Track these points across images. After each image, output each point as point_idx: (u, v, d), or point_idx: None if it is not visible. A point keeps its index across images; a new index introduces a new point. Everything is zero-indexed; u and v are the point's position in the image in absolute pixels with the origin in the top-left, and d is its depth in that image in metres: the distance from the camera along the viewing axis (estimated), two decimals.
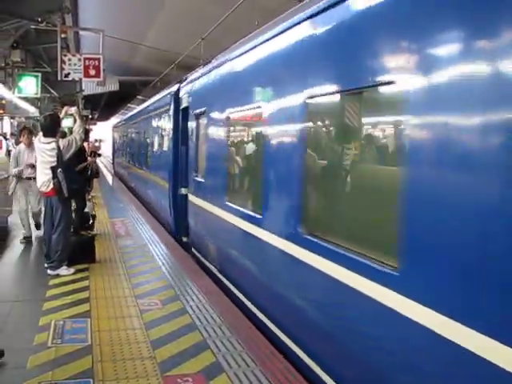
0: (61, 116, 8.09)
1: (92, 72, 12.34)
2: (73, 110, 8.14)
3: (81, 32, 17.03)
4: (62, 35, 12.48)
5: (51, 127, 7.63)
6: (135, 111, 22.94)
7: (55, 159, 7.37)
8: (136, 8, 17.19)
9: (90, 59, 12.36)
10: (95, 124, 40.97)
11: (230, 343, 5.13)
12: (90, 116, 39.57)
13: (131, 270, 7.87)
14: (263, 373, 4.50)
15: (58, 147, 7.42)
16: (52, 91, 20.49)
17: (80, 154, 10.01)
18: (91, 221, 10.59)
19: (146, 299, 6.46)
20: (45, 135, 7.58)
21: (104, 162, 42.18)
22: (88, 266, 7.96)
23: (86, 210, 10.87)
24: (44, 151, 7.48)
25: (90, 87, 24.58)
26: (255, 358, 4.80)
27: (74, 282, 7.18)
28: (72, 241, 8.09)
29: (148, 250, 9.33)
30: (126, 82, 28.61)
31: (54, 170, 7.30)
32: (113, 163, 31.69)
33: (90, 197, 14.01)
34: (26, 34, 14.90)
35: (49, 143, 7.45)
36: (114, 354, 4.79)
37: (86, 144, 10.35)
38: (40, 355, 4.74)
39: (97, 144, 11.75)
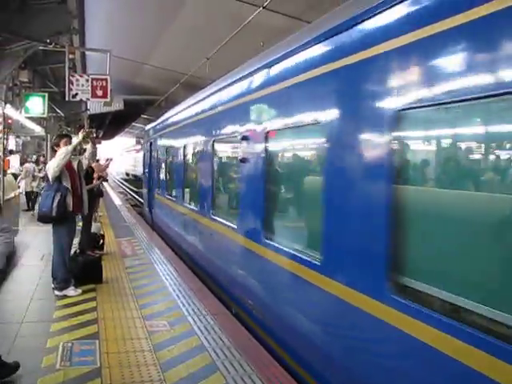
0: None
1: (99, 92, 12.44)
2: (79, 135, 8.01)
3: (87, 52, 17.19)
4: (70, 56, 12.60)
5: (52, 148, 7.75)
6: None
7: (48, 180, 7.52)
8: (141, 28, 17.35)
9: (97, 80, 12.46)
10: (100, 143, 41.01)
11: (239, 365, 5.09)
12: (95, 135, 39.76)
13: (138, 290, 7.85)
14: None
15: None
16: (58, 111, 20.62)
17: (87, 175, 10.08)
18: (101, 241, 10.54)
19: (153, 320, 6.43)
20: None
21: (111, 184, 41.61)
22: (95, 286, 7.94)
23: (95, 230, 10.85)
24: None
25: (95, 106, 24.74)
26: (265, 380, 4.76)
27: (81, 302, 7.15)
28: (79, 261, 8.10)
29: (154, 269, 9.31)
30: (130, 101, 28.78)
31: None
32: (150, 206, 17.53)
33: (97, 217, 14.01)
34: (33, 55, 15.06)
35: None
36: (123, 378, 4.76)
37: (94, 164, 10.34)
38: (49, 378, 4.71)
39: (103, 162, 11.65)
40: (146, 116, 41.40)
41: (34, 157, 21.86)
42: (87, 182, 9.90)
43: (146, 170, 19.00)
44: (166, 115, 14.91)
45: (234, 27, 13.61)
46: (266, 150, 6.16)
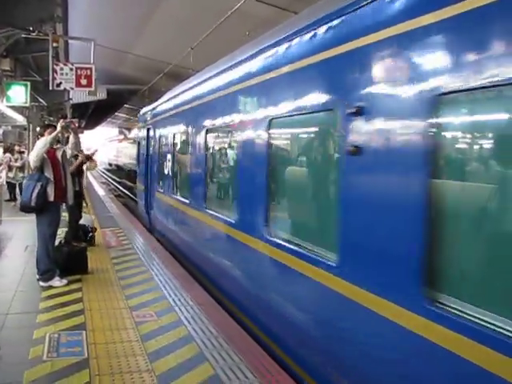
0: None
1: (84, 82, 12.30)
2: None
3: (70, 41, 16.97)
4: (54, 44, 12.42)
5: (37, 138, 7.74)
6: None
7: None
8: (125, 16, 17.18)
9: (81, 69, 12.31)
10: (82, 133, 40.70)
11: (227, 355, 5.10)
12: (77, 125, 39.36)
13: (124, 280, 7.82)
14: None
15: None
16: (40, 100, 20.36)
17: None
18: (91, 234, 10.43)
19: (140, 311, 6.42)
20: None
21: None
22: (81, 276, 7.90)
23: (86, 222, 10.77)
24: None
25: (77, 96, 24.49)
26: (254, 370, 4.78)
27: (67, 293, 7.11)
28: (64, 252, 8.04)
29: (140, 259, 9.28)
30: (113, 91, 28.53)
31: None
32: (147, 206, 14.38)
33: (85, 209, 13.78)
34: (15, 43, 14.83)
35: None
36: (111, 368, 4.74)
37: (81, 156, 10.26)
38: (36, 369, 4.67)
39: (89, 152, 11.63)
40: (129, 106, 41.13)
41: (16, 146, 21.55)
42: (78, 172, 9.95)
43: (143, 163, 15.16)
44: (177, 91, 11.21)
45: (220, 16, 13.53)
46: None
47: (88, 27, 17.59)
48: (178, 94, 10.75)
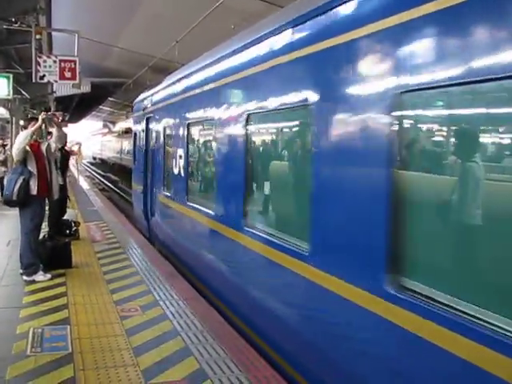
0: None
1: (68, 74, 12.16)
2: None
3: (53, 33, 16.79)
4: (37, 36, 12.26)
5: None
6: None
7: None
8: (109, 9, 17.05)
9: (65, 61, 12.16)
10: (66, 126, 40.35)
11: (213, 349, 5.10)
12: (61, 118, 38.99)
13: (109, 275, 7.78)
14: (248, 379, 4.49)
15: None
16: (23, 92, 20.13)
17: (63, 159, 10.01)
18: (74, 228, 10.35)
19: (125, 305, 6.39)
20: None
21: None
22: (65, 271, 7.84)
23: (69, 217, 10.69)
24: None
25: (61, 89, 24.22)
26: (239, 364, 4.79)
27: (50, 288, 7.05)
28: (48, 246, 7.97)
29: (124, 254, 9.24)
30: (98, 84, 28.29)
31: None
32: (147, 211, 12.07)
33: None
34: None
35: None
36: (96, 362, 4.72)
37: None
38: (19, 365, 4.63)
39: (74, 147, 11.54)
40: (113, 99, 40.87)
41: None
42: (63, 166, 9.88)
43: (140, 159, 12.97)
44: (192, 68, 8.52)
45: (205, 10, 13.46)
46: None
47: (72, 19, 17.43)
48: (196, 71, 8.05)
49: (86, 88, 26.59)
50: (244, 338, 5.51)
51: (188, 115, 8.48)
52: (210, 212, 7.03)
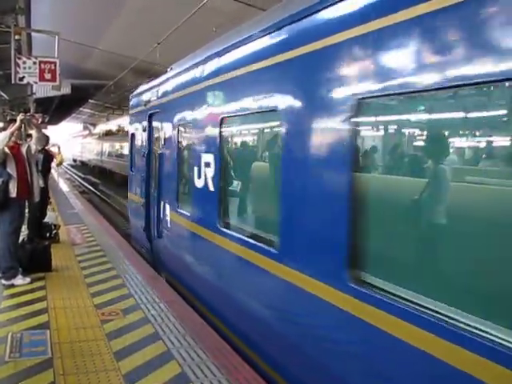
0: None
1: (48, 76, 12.02)
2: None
3: (33, 34, 16.61)
4: (16, 37, 12.11)
5: None
6: None
7: None
8: (90, 10, 16.92)
9: (45, 63, 12.01)
10: (46, 128, 39.95)
11: (194, 353, 5.07)
12: (40, 120, 38.60)
13: (89, 278, 7.70)
14: (230, 382, 4.47)
15: None
16: (2, 94, 19.89)
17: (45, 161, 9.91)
18: (54, 231, 10.23)
19: (106, 308, 6.33)
20: None
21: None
22: (44, 274, 7.75)
23: (49, 220, 10.57)
24: None
25: (41, 90, 24.00)
26: (221, 367, 4.77)
27: (30, 291, 6.96)
28: (27, 249, 7.88)
29: (105, 257, 9.15)
30: (78, 86, 28.08)
31: None
32: (150, 229, 9.70)
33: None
34: None
35: None
36: (76, 367, 4.66)
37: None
38: None
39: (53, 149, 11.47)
40: (94, 101, 40.59)
41: None
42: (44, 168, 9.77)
43: (140, 165, 10.48)
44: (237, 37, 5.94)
45: (186, 12, 13.43)
46: None
47: (52, 20, 17.27)
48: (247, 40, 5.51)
49: (66, 90, 26.38)
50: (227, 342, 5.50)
51: (224, 106, 6.04)
52: (267, 248, 4.90)
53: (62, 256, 9.06)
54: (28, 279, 7.37)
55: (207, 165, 6.35)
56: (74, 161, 69.71)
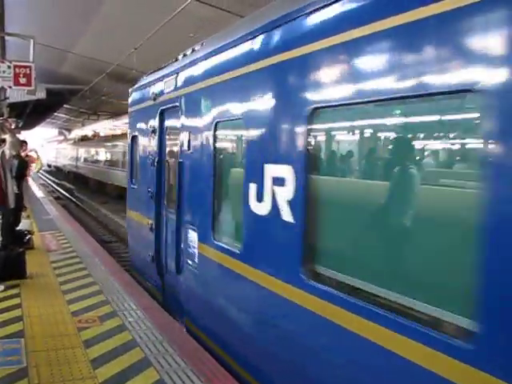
0: None
1: (23, 80, 11.89)
2: None
3: (6, 37, 16.41)
4: None
5: None
6: None
7: None
8: (65, 14, 16.76)
9: (20, 67, 11.88)
10: (19, 133, 39.41)
11: (173, 360, 5.03)
12: (14, 125, 38.09)
13: (65, 285, 7.60)
14: None
15: None
16: None
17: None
18: (28, 237, 10.07)
19: (83, 316, 6.25)
20: None
21: None
22: (19, 282, 7.62)
23: (23, 227, 10.40)
24: None
25: (15, 95, 23.63)
26: (200, 374, 4.73)
27: (4, 299, 6.84)
28: (1, 256, 7.75)
29: (81, 263, 9.04)
30: (53, 91, 27.76)
31: None
32: (162, 262, 7.78)
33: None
34: None
35: None
36: (52, 376, 4.59)
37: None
38: None
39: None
40: (69, 106, 40.16)
41: None
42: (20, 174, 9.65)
43: (148, 176, 8.35)
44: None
45: (163, 17, 13.42)
46: None
47: (26, 23, 17.06)
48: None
49: (41, 94, 26.02)
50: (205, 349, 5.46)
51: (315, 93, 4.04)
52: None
53: (37, 263, 8.92)
54: (1, 287, 7.25)
55: (278, 182, 4.32)
56: (49, 166, 68.94)
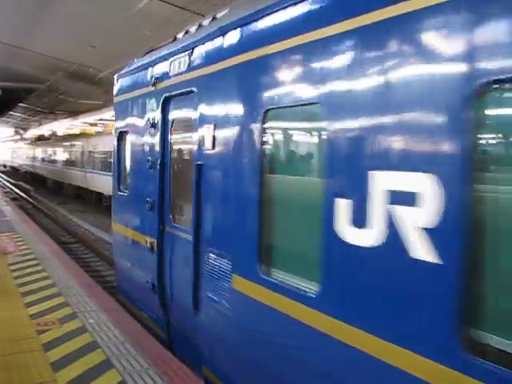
0: None
1: None
2: None
3: None
4: None
5: None
6: None
7: None
8: (21, 13, 16.41)
9: None
10: None
11: (135, 361, 5.00)
12: None
13: (24, 287, 7.45)
14: None
15: None
16: None
17: None
18: None
19: (42, 318, 6.14)
20: None
21: None
22: None
23: None
24: None
25: None
26: (163, 374, 4.72)
27: None
28: None
29: (40, 265, 8.88)
30: (8, 89, 27.15)
31: None
32: (163, 289, 6.20)
33: None
34: None
35: None
36: (11, 381, 4.49)
37: None
38: None
39: None
40: (25, 105, 39.30)
41: None
42: None
43: (144, 183, 6.80)
44: None
45: (120, 16, 13.29)
46: None
47: None
48: None
49: None
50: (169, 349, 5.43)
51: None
52: None
53: None
54: None
55: (402, 199, 2.89)
56: (4, 166, 67.40)
